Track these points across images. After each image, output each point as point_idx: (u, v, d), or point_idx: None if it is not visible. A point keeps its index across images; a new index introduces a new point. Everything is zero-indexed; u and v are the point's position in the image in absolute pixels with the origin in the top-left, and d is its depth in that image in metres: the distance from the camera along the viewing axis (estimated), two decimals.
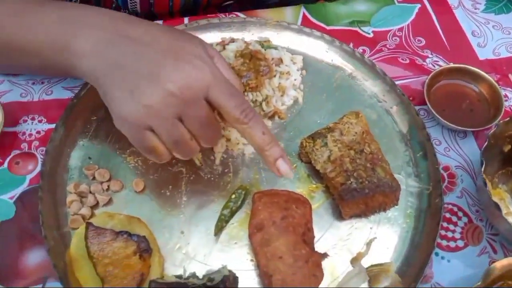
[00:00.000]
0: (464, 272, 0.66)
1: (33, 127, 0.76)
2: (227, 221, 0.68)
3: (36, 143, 0.74)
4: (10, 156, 0.73)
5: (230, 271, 0.62)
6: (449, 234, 0.69)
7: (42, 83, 0.80)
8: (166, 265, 0.64)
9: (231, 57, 0.78)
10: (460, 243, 0.68)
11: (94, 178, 0.70)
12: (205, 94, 0.56)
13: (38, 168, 0.72)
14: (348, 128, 0.72)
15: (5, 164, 0.72)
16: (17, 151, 0.73)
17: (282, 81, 0.79)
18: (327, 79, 0.83)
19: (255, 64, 0.77)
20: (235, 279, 0.61)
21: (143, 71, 0.56)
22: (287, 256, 0.60)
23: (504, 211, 0.64)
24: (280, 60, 0.80)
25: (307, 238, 0.63)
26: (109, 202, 0.69)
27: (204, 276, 0.62)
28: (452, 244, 0.68)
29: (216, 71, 0.58)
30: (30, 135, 0.75)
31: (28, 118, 0.76)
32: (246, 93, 0.76)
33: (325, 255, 0.63)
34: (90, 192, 0.69)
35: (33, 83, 0.80)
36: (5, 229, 0.67)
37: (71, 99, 0.76)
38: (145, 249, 0.62)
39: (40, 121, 0.76)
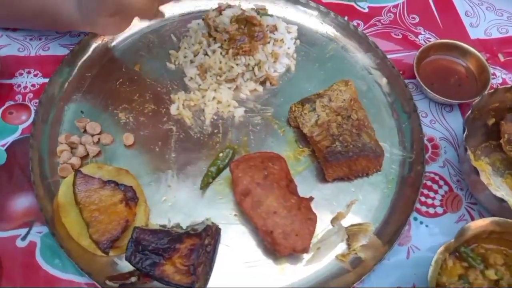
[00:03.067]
0: (442, 238, 0.67)
1: (28, 80, 0.77)
2: (213, 178, 0.69)
3: (31, 95, 0.76)
4: (4, 106, 0.74)
5: (213, 223, 0.64)
6: (429, 201, 0.71)
7: (40, 39, 0.81)
8: (152, 216, 0.66)
9: (226, 23, 0.80)
10: (439, 210, 0.70)
11: (85, 131, 0.72)
12: None
13: (31, 119, 0.73)
14: (337, 95, 0.74)
15: None
16: (11, 102, 0.75)
17: (275, 48, 0.80)
18: (320, 50, 0.84)
19: (249, 29, 0.79)
20: (217, 230, 0.63)
21: None
22: (280, 209, 0.62)
23: (485, 182, 0.65)
24: (275, 28, 0.81)
25: (291, 188, 0.65)
26: (99, 154, 0.71)
27: (187, 226, 0.64)
28: (431, 210, 0.70)
29: None
30: (25, 87, 0.76)
31: (24, 71, 0.78)
32: (239, 57, 0.77)
33: (311, 199, 0.65)
34: (81, 143, 0.70)
35: (31, 39, 0.81)
36: None
37: (66, 55, 0.77)
38: (131, 197, 0.64)
39: (35, 75, 0.78)
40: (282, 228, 0.60)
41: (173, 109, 0.75)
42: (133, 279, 0.59)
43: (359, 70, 0.82)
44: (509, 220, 0.58)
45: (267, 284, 0.62)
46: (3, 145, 0.71)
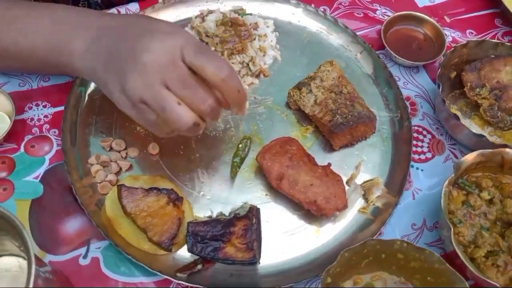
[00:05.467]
0: (436, 177, 0.81)
1: (40, 112, 0.80)
2: (239, 167, 0.78)
3: (47, 126, 0.79)
4: (25, 141, 0.77)
5: (251, 205, 0.72)
6: (419, 149, 0.84)
7: None
8: (195, 210, 0.73)
9: (212, 27, 0.87)
10: (429, 155, 0.84)
11: (111, 148, 0.77)
12: (181, 56, 0.58)
13: (54, 148, 0.77)
14: (326, 75, 0.84)
15: (22, 149, 0.76)
16: (30, 136, 0.78)
17: (261, 43, 0.89)
18: (297, 38, 0.94)
19: (236, 30, 0.87)
20: (257, 210, 0.72)
21: (124, 52, 0.60)
22: (314, 181, 0.72)
23: None
24: (257, 25, 0.90)
25: (313, 161, 0.75)
26: (130, 167, 0.76)
27: (230, 213, 0.72)
28: (422, 156, 0.83)
29: (187, 34, 0.60)
30: (39, 119, 0.79)
31: (32, 105, 0.81)
32: (234, 56, 0.85)
33: (329, 165, 0.75)
34: (111, 161, 0.75)
35: (29, 73, 0.84)
36: (38, 206, 0.72)
37: (72, 81, 0.81)
38: (176, 198, 0.70)
39: (44, 106, 0.81)
40: (322, 195, 0.70)
41: None
42: (199, 266, 0.67)
43: (335, 50, 0.93)
44: (490, 150, 0.72)
45: (307, 247, 0.72)
46: (36, 178, 0.74)
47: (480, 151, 0.71)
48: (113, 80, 0.61)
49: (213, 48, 0.86)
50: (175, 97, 0.58)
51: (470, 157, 0.71)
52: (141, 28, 0.62)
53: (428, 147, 0.84)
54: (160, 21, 0.68)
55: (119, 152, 0.77)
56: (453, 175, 0.70)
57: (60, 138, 0.76)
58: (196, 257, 0.68)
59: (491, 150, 0.72)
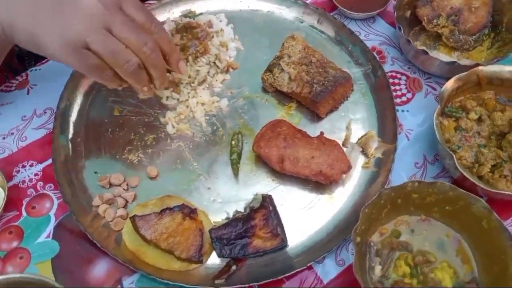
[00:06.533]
0: (422, 113, 0.84)
1: (29, 173, 0.79)
2: (238, 163, 0.79)
3: (41, 183, 0.78)
4: (24, 205, 0.76)
5: (262, 195, 0.74)
6: (399, 93, 0.87)
7: (12, 133, 0.82)
8: (211, 217, 0.74)
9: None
10: (409, 95, 0.86)
11: (111, 185, 0.77)
12: (119, 4, 0.61)
13: (55, 202, 0.76)
14: (292, 50, 0.86)
15: (24, 213, 0.75)
16: (28, 198, 0.77)
17: (220, 38, 0.89)
18: (252, 23, 0.95)
19: (192, 33, 0.87)
20: (270, 197, 0.73)
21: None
22: (314, 153, 0.73)
23: None
24: (210, 22, 0.90)
25: (306, 135, 0.77)
26: (135, 197, 0.76)
27: (245, 208, 0.74)
28: (404, 98, 0.86)
29: None
30: (31, 180, 0.78)
31: (19, 167, 0.79)
32: (199, 59, 0.85)
33: (322, 133, 0.77)
34: (115, 196, 0.75)
35: (3, 138, 0.82)
36: (59, 263, 0.71)
37: (51, 132, 0.80)
38: (190, 211, 0.71)
39: (31, 165, 0.80)
40: (325, 163, 0.72)
41: (170, 130, 0.82)
42: (233, 267, 0.68)
43: (292, 24, 0.94)
44: (464, 73, 0.75)
45: (326, 215, 0.74)
46: (47, 237, 0.73)
47: (456, 76, 0.74)
48: (47, 29, 0.60)
49: None
50: (120, 43, 0.60)
51: (449, 85, 0.74)
52: None
53: (406, 88, 0.87)
54: None
55: (119, 185, 0.77)
56: (438, 106, 0.72)
57: (58, 191, 0.76)
58: (227, 260, 0.69)
59: (465, 73, 0.74)
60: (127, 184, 0.77)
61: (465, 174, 0.67)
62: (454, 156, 0.67)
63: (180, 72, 0.73)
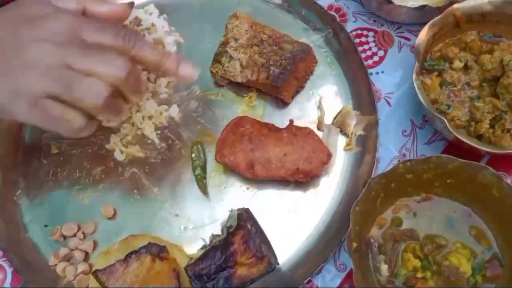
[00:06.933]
0: (399, 71, 0.73)
1: None
2: (205, 177, 0.68)
3: None
4: None
5: (238, 209, 0.63)
6: (369, 53, 0.75)
7: None
8: (186, 248, 0.64)
9: None
10: (381, 53, 0.75)
11: (64, 237, 0.66)
12: (78, 36, 0.53)
13: (9, 271, 0.66)
14: (238, 31, 0.73)
15: None
16: None
17: (153, 36, 0.76)
18: (188, 7, 0.81)
19: None
20: (247, 211, 0.63)
21: (8, 51, 0.52)
22: (285, 149, 0.63)
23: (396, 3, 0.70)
24: (138, 19, 0.76)
25: (273, 128, 0.66)
26: (95, 245, 0.66)
27: (221, 229, 0.64)
28: (376, 58, 0.74)
29: (75, 14, 0.55)
30: None
31: None
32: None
33: (292, 121, 0.67)
34: (72, 250, 0.65)
35: None
36: None
37: None
38: (159, 250, 0.61)
39: None
40: (301, 159, 0.62)
41: (119, 156, 0.71)
42: None
43: (232, 1, 0.80)
44: (438, 16, 0.63)
45: (316, 215, 0.65)
46: None
47: (430, 23, 0.63)
48: (3, 86, 0.52)
49: None
50: (81, 74, 0.52)
51: (423, 35, 0.63)
52: (14, 20, 0.54)
53: (376, 45, 0.75)
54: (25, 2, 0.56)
55: (74, 236, 0.66)
56: (416, 63, 0.61)
57: (5, 259, 0.65)
58: None
59: (439, 16, 0.63)
60: (83, 233, 0.66)
61: (461, 138, 0.57)
62: (445, 120, 0.57)
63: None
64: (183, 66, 0.60)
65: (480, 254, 0.57)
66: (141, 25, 0.76)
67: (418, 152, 0.66)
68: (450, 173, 0.56)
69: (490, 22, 0.65)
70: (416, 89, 0.59)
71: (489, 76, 0.62)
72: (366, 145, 0.67)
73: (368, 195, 0.56)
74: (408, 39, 0.75)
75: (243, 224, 0.60)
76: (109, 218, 0.67)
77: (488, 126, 0.59)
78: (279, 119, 0.71)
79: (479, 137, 0.59)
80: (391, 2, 0.68)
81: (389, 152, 0.68)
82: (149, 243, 0.62)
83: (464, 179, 0.56)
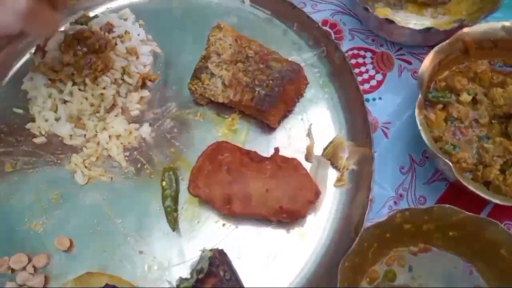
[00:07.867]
0: (399, 96, 0.66)
1: None
2: (176, 210, 0.60)
3: None
4: None
5: (211, 250, 0.56)
6: (365, 76, 0.68)
7: None
8: None
9: (58, 55, 0.65)
10: (379, 77, 0.68)
11: (12, 270, 0.58)
12: None
13: None
14: (221, 45, 0.65)
15: None
16: None
17: (126, 44, 0.68)
18: (168, 14, 0.74)
19: (87, 45, 0.65)
20: (221, 253, 0.55)
21: None
22: (268, 183, 0.56)
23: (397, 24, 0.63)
24: (110, 24, 0.68)
25: (255, 158, 0.59)
26: (47, 280, 0.58)
27: (191, 272, 0.56)
28: (373, 82, 0.67)
29: None
30: None
31: None
32: (100, 79, 0.64)
33: (277, 150, 0.60)
34: (20, 286, 0.57)
35: None
36: None
37: None
38: None
39: None
40: (285, 196, 0.55)
41: (80, 179, 0.63)
42: None
43: (218, 7, 0.74)
44: (445, 42, 0.56)
45: (300, 260, 0.57)
46: None
47: (435, 48, 0.56)
48: None
49: (71, 82, 0.65)
50: None
51: (427, 62, 0.56)
52: None
53: (373, 68, 0.68)
54: None
55: (23, 269, 0.58)
56: (419, 96, 0.54)
57: None
58: None
59: (447, 42, 0.56)
60: (33, 266, 0.58)
61: (466, 184, 0.50)
62: (450, 163, 0.50)
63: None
64: None
65: None
66: (114, 31, 0.69)
67: (417, 193, 0.59)
68: (454, 225, 0.49)
69: (502, 49, 0.58)
70: (419, 125, 0.52)
71: (500, 113, 0.55)
72: (359, 182, 0.60)
73: (360, 247, 0.49)
74: (410, 63, 0.68)
75: (215, 271, 0.52)
76: (65, 251, 0.59)
77: (498, 172, 0.52)
78: (264, 145, 0.63)
79: (487, 183, 0.52)
80: (393, 22, 0.60)
81: (385, 191, 0.60)
82: (106, 284, 0.54)
83: (469, 233, 0.49)
